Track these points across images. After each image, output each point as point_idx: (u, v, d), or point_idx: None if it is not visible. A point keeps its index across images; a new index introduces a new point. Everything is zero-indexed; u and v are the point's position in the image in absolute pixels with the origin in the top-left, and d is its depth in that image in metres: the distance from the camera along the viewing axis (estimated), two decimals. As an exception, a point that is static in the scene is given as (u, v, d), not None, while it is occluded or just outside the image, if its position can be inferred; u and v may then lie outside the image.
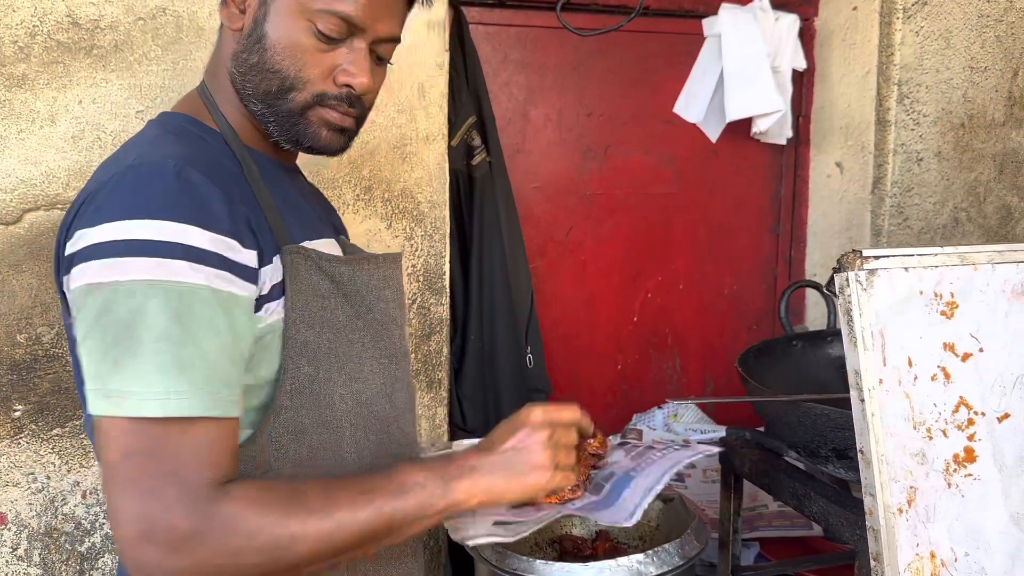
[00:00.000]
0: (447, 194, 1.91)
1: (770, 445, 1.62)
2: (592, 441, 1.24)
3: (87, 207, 0.91)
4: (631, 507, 1.12)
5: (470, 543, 1.12)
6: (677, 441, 1.33)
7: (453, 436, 2.01)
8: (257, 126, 1.07)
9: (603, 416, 2.52)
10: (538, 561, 1.40)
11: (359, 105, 1.06)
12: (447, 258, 1.94)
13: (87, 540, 1.74)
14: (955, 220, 2.35)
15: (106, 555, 1.76)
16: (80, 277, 0.88)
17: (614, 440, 1.39)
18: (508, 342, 2.11)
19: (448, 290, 1.97)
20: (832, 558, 1.91)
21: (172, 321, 0.86)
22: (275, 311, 1.00)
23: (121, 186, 0.90)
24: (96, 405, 0.86)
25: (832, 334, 1.83)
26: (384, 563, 1.16)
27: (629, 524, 1.09)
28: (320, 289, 1.04)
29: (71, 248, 0.91)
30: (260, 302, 0.97)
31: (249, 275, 0.94)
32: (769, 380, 1.66)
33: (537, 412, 1.07)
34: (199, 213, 0.89)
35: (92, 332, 0.87)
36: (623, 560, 1.39)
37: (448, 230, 1.93)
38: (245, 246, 0.93)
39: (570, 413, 1.12)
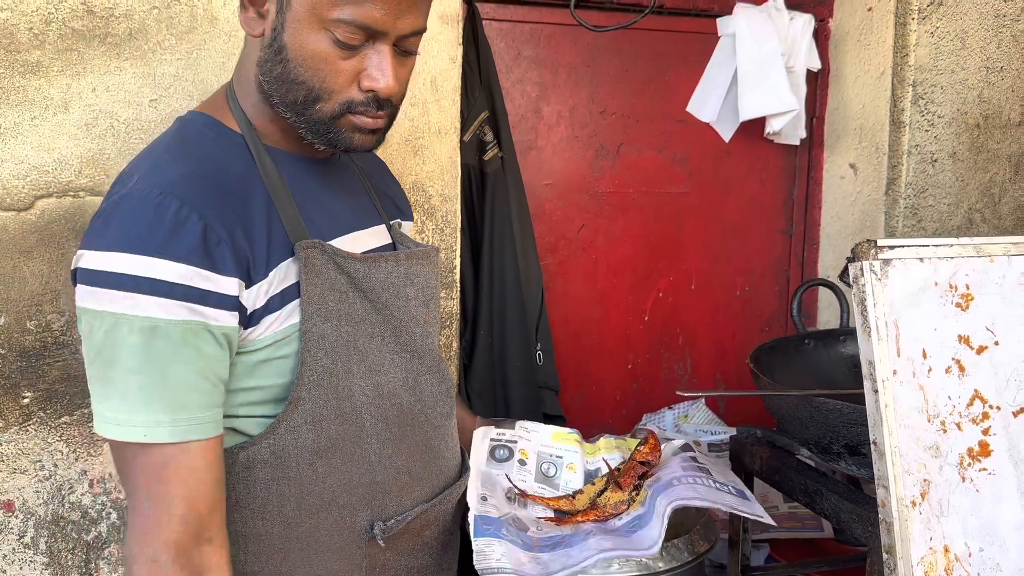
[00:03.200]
0: (459, 188, 1.90)
1: (781, 443, 1.60)
2: (642, 448, 1.20)
3: (90, 226, 0.97)
4: (655, 534, 1.13)
5: None
6: (736, 483, 1.31)
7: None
8: (282, 125, 1.07)
9: (612, 415, 2.51)
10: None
11: (388, 105, 1.05)
12: (458, 252, 1.94)
13: (94, 529, 1.74)
14: (969, 221, 2.33)
15: (112, 545, 1.76)
16: (76, 296, 0.96)
17: (673, 446, 1.35)
18: (518, 338, 2.10)
19: (459, 285, 1.96)
20: (842, 560, 1.89)
21: (139, 353, 0.91)
22: (287, 317, 1.02)
23: (110, 216, 0.95)
24: (102, 428, 0.96)
25: (845, 333, 1.82)
26: (404, 554, 1.17)
27: (652, 552, 1.09)
28: (337, 284, 1.05)
29: (73, 263, 0.97)
30: (256, 316, 0.99)
31: (224, 303, 0.96)
32: (781, 378, 1.65)
33: None
34: (171, 246, 0.92)
35: (86, 356, 0.96)
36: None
37: (459, 224, 1.93)
38: (222, 274, 0.95)
39: None
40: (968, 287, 1.11)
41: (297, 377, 1.02)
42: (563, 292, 2.37)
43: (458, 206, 1.92)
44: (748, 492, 1.27)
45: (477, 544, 1.12)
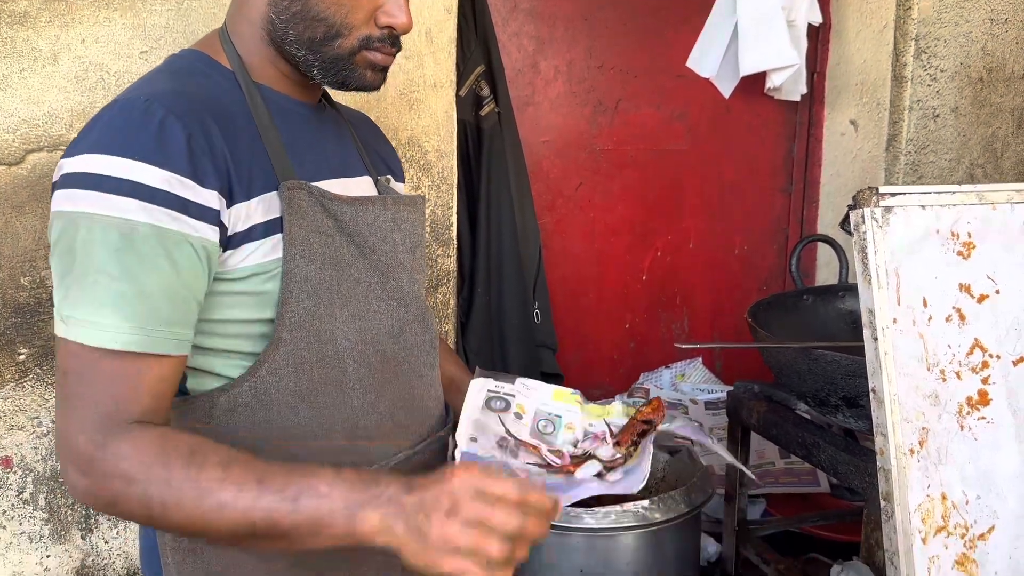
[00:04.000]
0: (455, 143, 1.88)
1: (778, 397, 1.60)
2: (644, 408, 1.19)
3: (73, 139, 0.95)
4: (644, 468, 1.10)
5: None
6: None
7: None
8: (279, 67, 1.07)
9: (610, 374, 2.51)
10: (543, 507, 1.40)
11: (399, 44, 1.07)
12: (454, 209, 1.92)
13: (92, 485, 1.74)
14: (971, 177, 2.31)
15: (111, 501, 1.77)
16: (52, 204, 0.93)
17: (675, 419, 1.31)
18: (515, 297, 2.09)
19: (455, 242, 1.95)
20: (838, 514, 1.91)
21: (112, 256, 0.89)
22: (270, 251, 1.01)
23: (95, 122, 0.94)
24: (56, 325, 0.93)
25: (844, 289, 1.81)
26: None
27: (635, 490, 1.08)
28: (323, 226, 1.04)
29: (55, 176, 0.95)
30: (237, 240, 0.98)
31: (205, 215, 0.94)
32: (778, 334, 1.64)
33: (464, 476, 0.83)
34: (155, 151, 0.91)
35: (53, 257, 0.93)
36: (629, 506, 1.38)
37: (456, 180, 1.91)
38: (204, 186, 0.94)
39: (511, 489, 0.82)
40: (970, 235, 1.10)
41: (278, 317, 1.01)
42: (561, 251, 2.36)
43: (454, 162, 1.89)
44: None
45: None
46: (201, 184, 0.93)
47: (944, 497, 1.06)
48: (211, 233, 0.95)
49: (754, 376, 2.24)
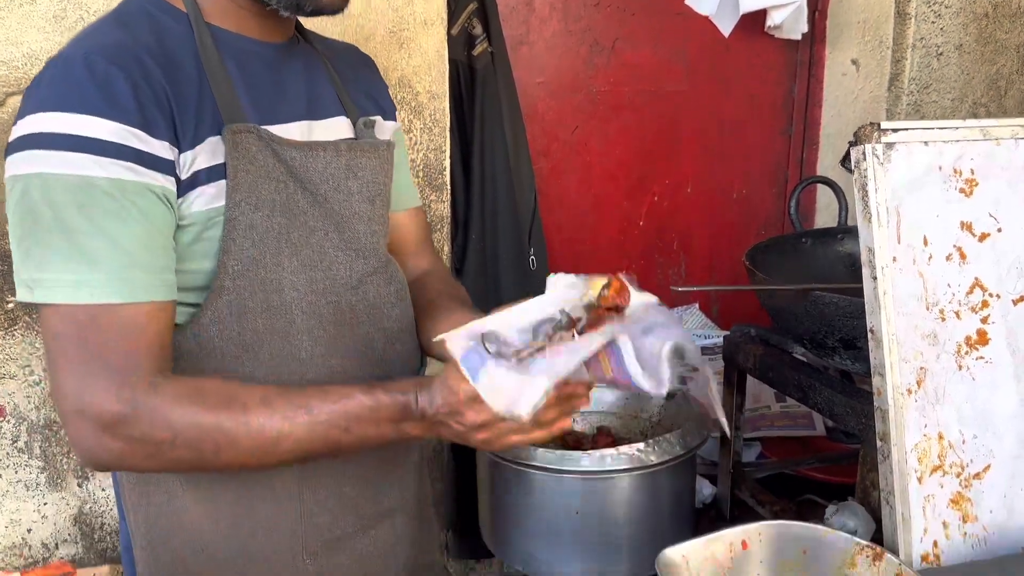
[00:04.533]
0: (447, 84, 1.84)
1: (775, 340, 1.59)
2: (606, 292, 1.01)
3: (20, 102, 0.94)
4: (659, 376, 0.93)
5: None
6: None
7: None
8: (238, 4, 1.03)
9: (607, 320, 2.49)
10: (540, 450, 1.39)
11: None
12: (447, 153, 1.89)
13: (87, 433, 1.74)
14: (974, 116, 2.27)
15: (107, 448, 1.77)
16: (6, 171, 0.91)
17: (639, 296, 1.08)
18: (510, 243, 2.06)
19: (449, 187, 1.92)
20: (833, 457, 1.91)
21: (77, 212, 0.88)
22: (214, 198, 0.98)
23: (39, 81, 0.92)
24: (19, 292, 0.92)
25: (843, 231, 1.78)
26: (374, 470, 1.16)
27: (661, 392, 0.93)
28: (274, 172, 1.01)
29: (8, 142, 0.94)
30: (186, 187, 0.96)
31: (160, 165, 0.93)
32: (776, 277, 1.62)
33: (460, 392, 0.92)
34: (103, 104, 0.90)
35: (11, 223, 0.91)
36: (624, 448, 1.38)
37: (448, 123, 1.87)
38: (155, 136, 0.93)
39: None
40: (973, 172, 1.07)
41: (220, 265, 0.98)
42: (556, 197, 2.33)
43: (447, 104, 1.85)
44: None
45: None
46: (152, 135, 0.92)
47: (941, 437, 1.05)
48: (167, 182, 0.94)
49: (751, 321, 2.23)
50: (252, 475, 1.07)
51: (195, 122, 0.96)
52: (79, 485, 1.75)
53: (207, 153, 0.97)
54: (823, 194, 2.50)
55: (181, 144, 0.95)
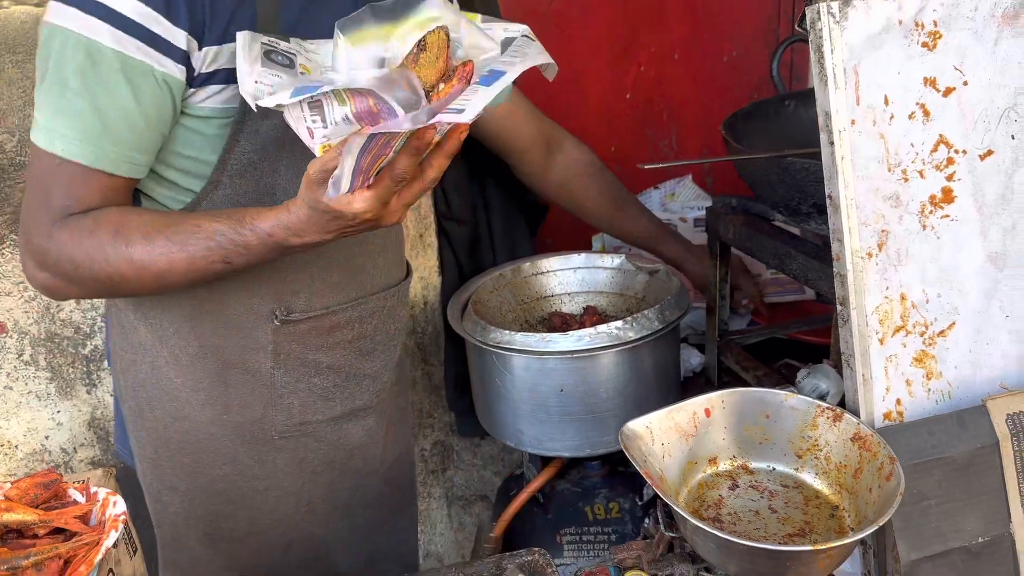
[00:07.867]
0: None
1: (756, 210, 1.58)
2: (442, 85, 0.90)
3: None
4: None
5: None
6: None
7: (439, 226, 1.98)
8: None
9: (598, 197, 2.47)
10: (519, 334, 1.42)
11: None
12: (418, 37, 1.83)
13: (88, 343, 1.79)
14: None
15: (111, 356, 1.82)
16: (45, 14, 1.00)
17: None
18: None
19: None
20: (821, 319, 1.93)
21: (76, 72, 0.96)
22: (228, 97, 1.04)
23: None
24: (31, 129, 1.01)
25: (826, 91, 1.74)
26: (311, 348, 1.22)
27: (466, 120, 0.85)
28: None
29: None
30: (200, 80, 1.02)
31: (173, 53, 0.99)
32: (758, 144, 1.59)
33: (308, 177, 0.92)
34: None
35: (37, 60, 1.01)
36: (603, 327, 1.40)
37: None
38: (176, 24, 0.98)
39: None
40: (936, 24, 1.03)
41: (220, 161, 1.05)
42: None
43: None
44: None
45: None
46: (172, 22, 0.97)
47: (903, 298, 1.06)
48: (176, 70, 1.00)
49: (745, 192, 2.21)
50: (228, 353, 1.16)
51: (227, 21, 1.01)
52: (88, 392, 1.81)
53: (230, 54, 1.01)
54: (815, 52, 2.42)
55: (205, 38, 1.00)
